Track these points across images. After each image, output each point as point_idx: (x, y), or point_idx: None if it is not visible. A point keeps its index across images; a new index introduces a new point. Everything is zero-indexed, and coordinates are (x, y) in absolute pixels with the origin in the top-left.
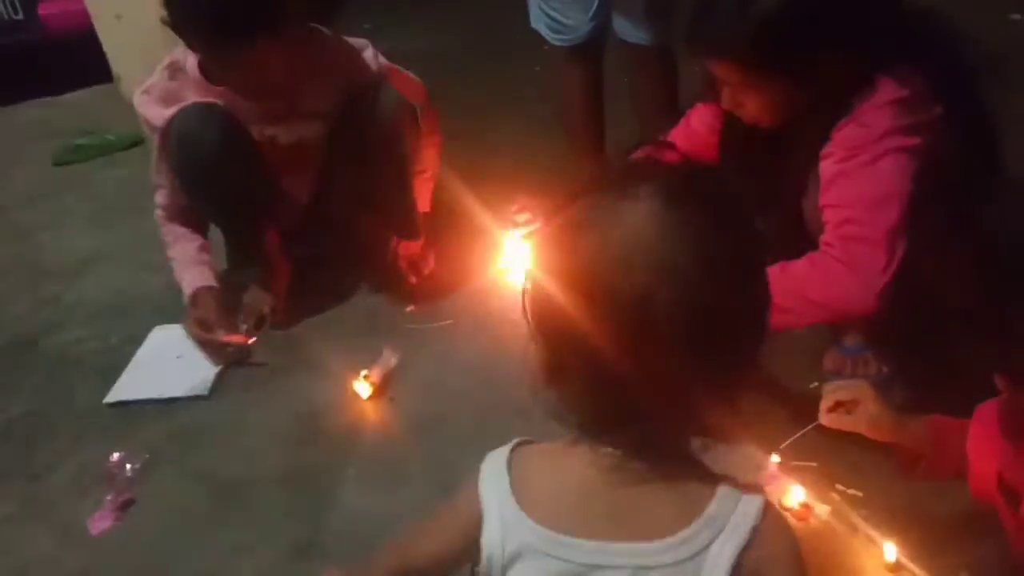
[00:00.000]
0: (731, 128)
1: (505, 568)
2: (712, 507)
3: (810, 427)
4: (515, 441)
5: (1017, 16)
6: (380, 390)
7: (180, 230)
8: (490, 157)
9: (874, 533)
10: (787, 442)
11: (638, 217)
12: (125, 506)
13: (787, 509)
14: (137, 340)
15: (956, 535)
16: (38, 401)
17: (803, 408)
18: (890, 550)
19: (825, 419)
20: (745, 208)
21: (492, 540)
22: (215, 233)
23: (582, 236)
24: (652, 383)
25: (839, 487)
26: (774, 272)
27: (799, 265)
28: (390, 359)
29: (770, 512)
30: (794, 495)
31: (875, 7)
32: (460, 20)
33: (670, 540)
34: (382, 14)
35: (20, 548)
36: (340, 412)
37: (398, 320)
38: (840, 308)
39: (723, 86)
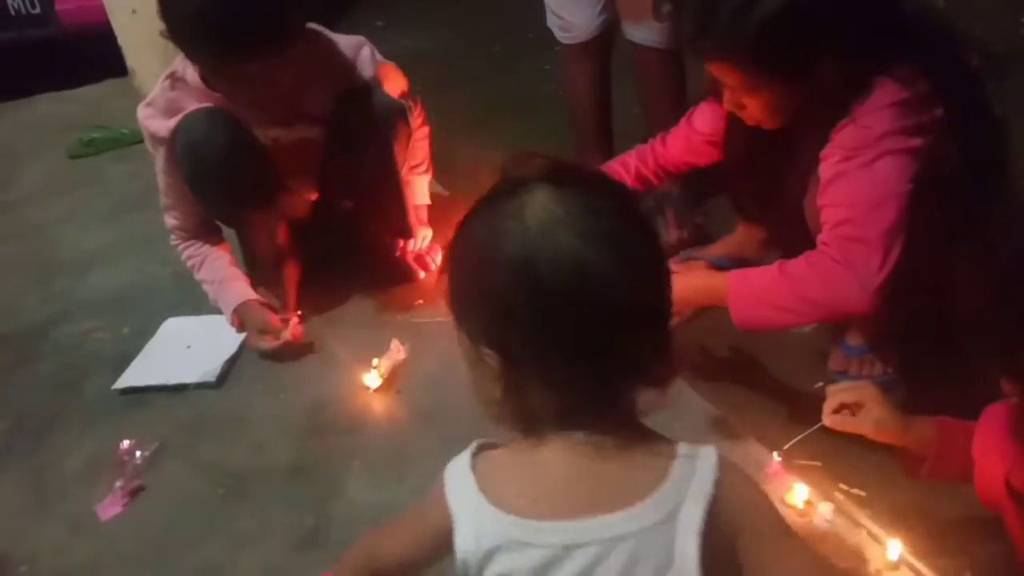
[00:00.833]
0: (733, 129)
1: (482, 566)
2: (674, 470)
3: (814, 428)
4: (476, 444)
5: None
6: (388, 383)
7: (203, 249)
8: (499, 154)
9: (878, 532)
10: (791, 443)
11: (536, 207)
12: (134, 493)
13: (790, 507)
14: (147, 332)
15: (960, 535)
16: (49, 390)
17: (808, 408)
18: (894, 549)
19: (829, 420)
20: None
21: (466, 542)
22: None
23: (487, 246)
24: (594, 362)
25: (842, 487)
26: (773, 271)
27: (797, 264)
28: (399, 352)
29: (725, 462)
30: (798, 494)
31: (874, 8)
32: (473, 18)
33: (637, 507)
34: (396, 11)
35: (30, 536)
36: (348, 404)
37: (406, 314)
38: (837, 307)
39: (724, 88)
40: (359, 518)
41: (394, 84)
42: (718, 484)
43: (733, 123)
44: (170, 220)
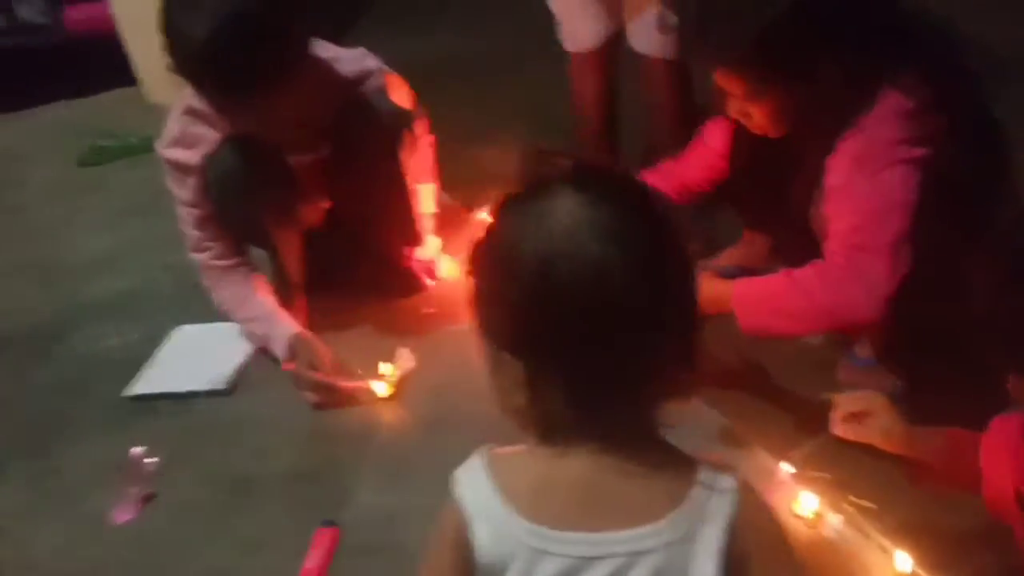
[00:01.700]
0: (739, 139)
1: (500, 571)
2: (695, 489)
3: (822, 437)
4: (487, 449)
5: None
6: (396, 390)
7: (250, 283)
8: (508, 161)
9: (886, 543)
10: (799, 452)
11: (561, 212)
12: (147, 499)
13: (799, 518)
14: (154, 338)
15: (968, 547)
16: (56, 396)
17: (815, 418)
18: (902, 560)
19: (838, 429)
20: (652, 196)
21: (483, 544)
22: None
23: (510, 251)
24: (618, 370)
25: (852, 499)
26: (779, 279)
27: (804, 273)
28: (407, 360)
29: (746, 487)
30: (807, 504)
31: (873, 9)
32: (482, 26)
33: (660, 524)
34: (400, 19)
35: (35, 540)
36: (355, 411)
37: (415, 323)
38: (845, 316)
39: (729, 97)
40: (367, 523)
41: (398, 94)
42: (737, 506)
43: (739, 133)
44: (202, 256)
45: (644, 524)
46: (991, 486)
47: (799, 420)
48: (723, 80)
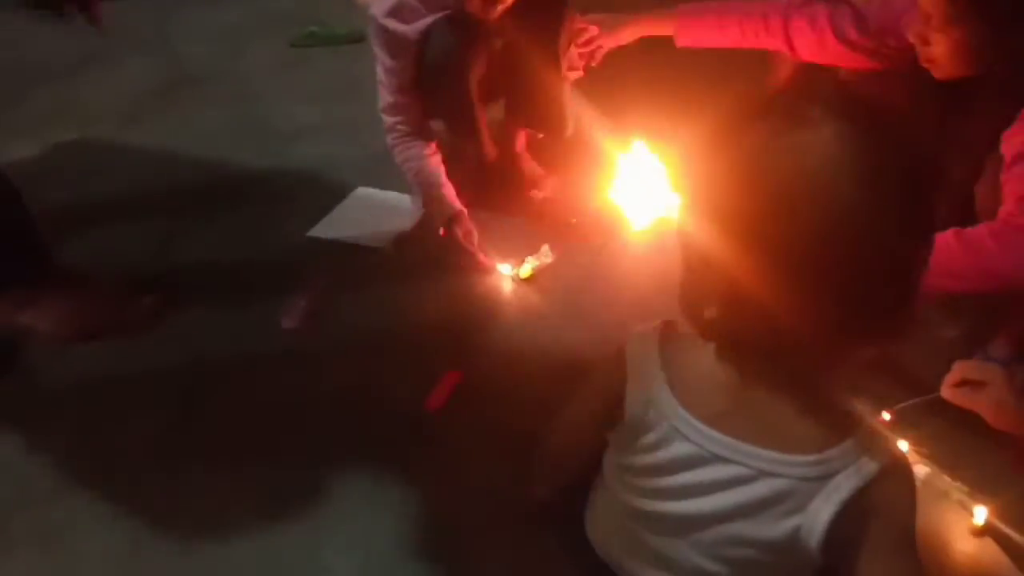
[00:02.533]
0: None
1: (641, 431)
2: (848, 442)
3: (930, 396)
4: (660, 323)
5: None
6: (533, 275)
7: (421, 151)
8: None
9: (964, 498)
10: (903, 404)
11: (823, 147)
12: (313, 314)
13: None
14: (338, 196)
15: None
16: (253, 231)
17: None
18: (980, 513)
19: (947, 392)
20: (918, 136)
21: (634, 400)
22: None
23: (762, 169)
24: (832, 310)
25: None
26: (948, 237)
27: (976, 233)
28: (547, 255)
29: (898, 461)
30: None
31: None
32: None
33: (807, 457)
34: None
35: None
36: (495, 285)
37: (558, 230)
38: (1019, 279)
39: (920, 14)
40: (490, 372)
41: None
42: (879, 473)
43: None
44: (392, 120)
45: (790, 453)
46: None
47: (910, 381)
48: None
